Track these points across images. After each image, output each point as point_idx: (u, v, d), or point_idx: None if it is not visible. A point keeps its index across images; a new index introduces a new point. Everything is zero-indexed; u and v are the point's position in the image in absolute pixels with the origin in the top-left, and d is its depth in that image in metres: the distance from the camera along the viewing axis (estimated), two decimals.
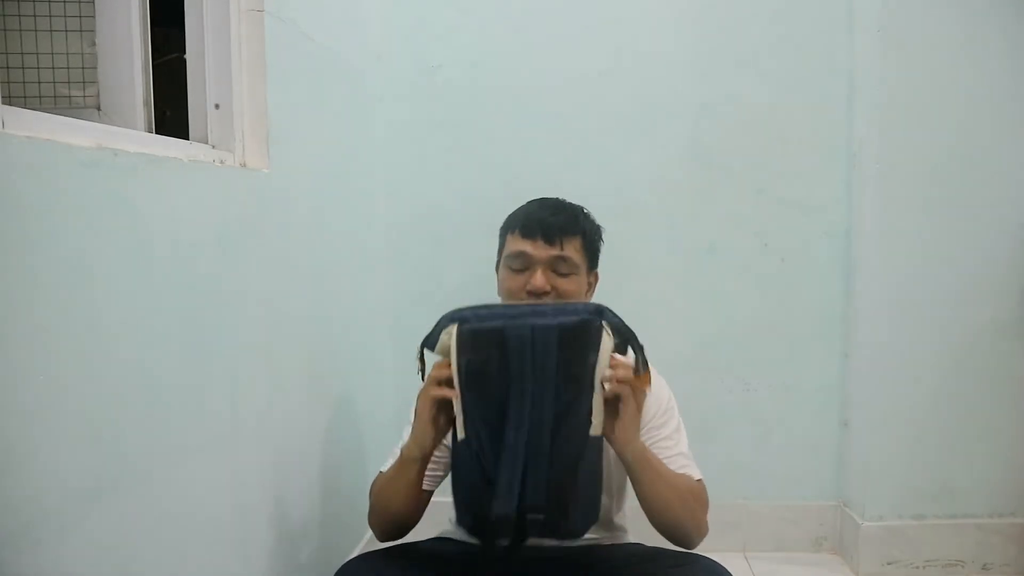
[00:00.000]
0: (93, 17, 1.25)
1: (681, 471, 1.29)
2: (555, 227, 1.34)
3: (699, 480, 1.31)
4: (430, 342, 1.19)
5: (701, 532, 1.29)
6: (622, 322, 1.16)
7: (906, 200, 1.90)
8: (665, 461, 1.28)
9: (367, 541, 1.78)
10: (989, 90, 1.87)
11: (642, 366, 1.16)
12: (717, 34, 2.03)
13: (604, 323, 1.14)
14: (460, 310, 1.17)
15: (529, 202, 1.43)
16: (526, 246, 1.34)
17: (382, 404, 2.01)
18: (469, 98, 2.06)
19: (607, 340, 1.14)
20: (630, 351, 1.16)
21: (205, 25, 1.25)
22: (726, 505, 2.06)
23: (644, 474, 1.21)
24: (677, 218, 2.06)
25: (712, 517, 2.01)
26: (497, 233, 1.46)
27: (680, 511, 1.25)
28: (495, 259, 1.47)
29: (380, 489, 1.32)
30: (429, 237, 2.10)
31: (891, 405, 1.92)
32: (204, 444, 1.09)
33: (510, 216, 1.43)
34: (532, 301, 1.32)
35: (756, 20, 2.02)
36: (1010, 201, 1.89)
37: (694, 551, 1.28)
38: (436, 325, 1.19)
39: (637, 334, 1.16)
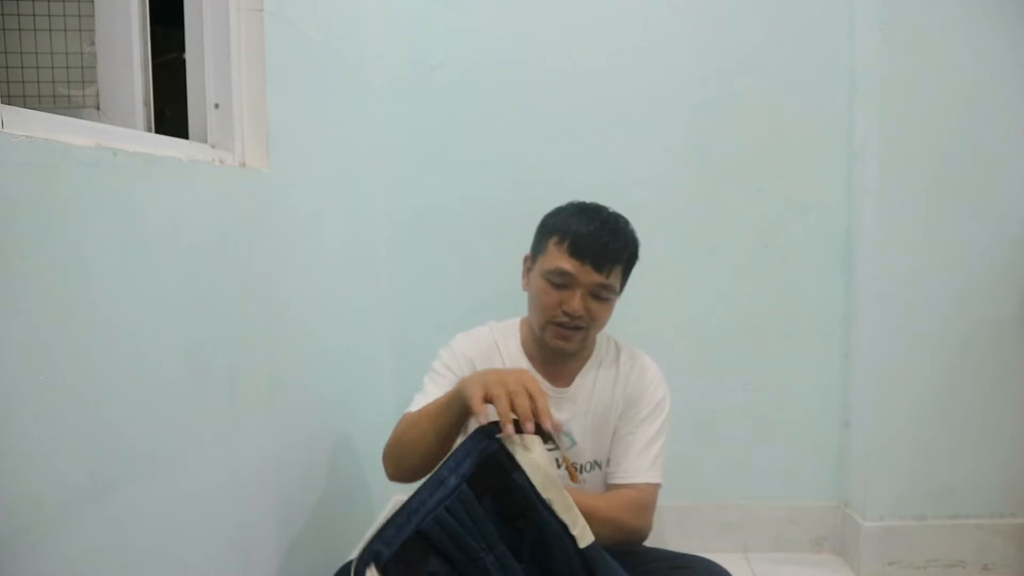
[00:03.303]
0: (93, 17, 1.25)
1: (640, 473, 1.33)
2: (607, 256, 1.30)
3: (653, 484, 1.34)
4: None
5: (641, 537, 1.34)
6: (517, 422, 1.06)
7: (906, 200, 1.89)
8: (634, 455, 1.34)
9: (367, 541, 1.78)
10: (990, 89, 1.87)
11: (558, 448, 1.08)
12: (717, 34, 2.03)
13: (500, 437, 1.04)
14: (368, 545, 1.04)
15: (580, 209, 1.36)
16: (572, 267, 1.30)
17: (381, 404, 2.00)
18: (469, 98, 2.06)
19: (529, 439, 1.03)
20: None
21: (205, 24, 1.25)
22: (726, 505, 2.07)
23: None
24: (677, 218, 2.06)
25: (712, 517, 2.04)
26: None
27: (611, 534, 1.25)
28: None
29: (407, 428, 1.29)
30: (429, 237, 2.09)
31: (891, 405, 1.92)
32: (203, 444, 1.09)
33: (558, 218, 1.36)
34: (562, 322, 1.31)
35: (756, 20, 2.02)
36: (1011, 201, 1.89)
37: (694, 553, 1.32)
38: (355, 572, 1.02)
39: (545, 427, 1.07)
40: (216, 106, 1.26)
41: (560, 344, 1.34)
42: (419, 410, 1.30)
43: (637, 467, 1.34)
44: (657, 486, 1.35)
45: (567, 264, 1.30)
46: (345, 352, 1.77)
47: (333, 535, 1.65)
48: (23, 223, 0.74)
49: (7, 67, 1.40)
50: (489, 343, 1.43)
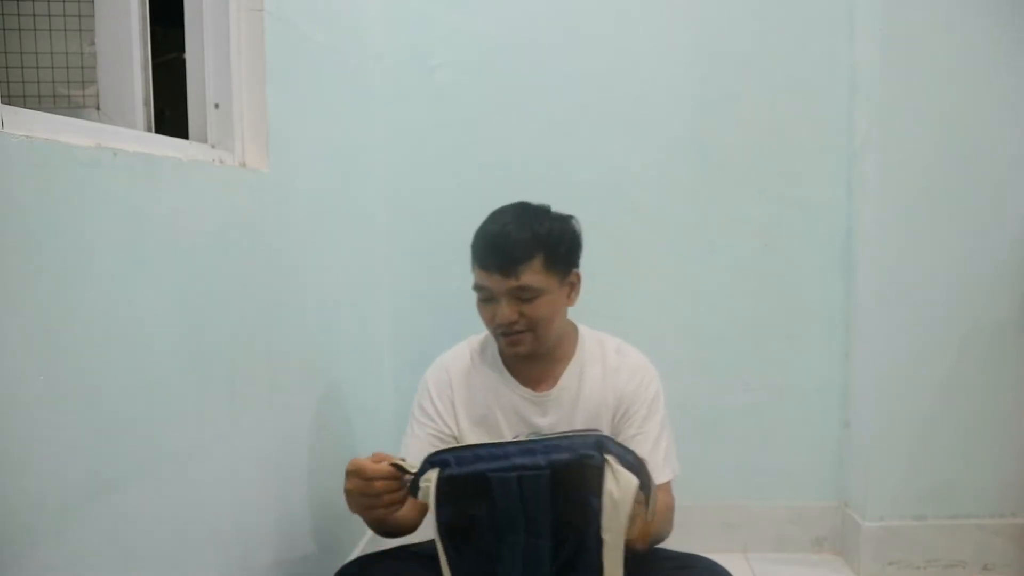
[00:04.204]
0: (93, 17, 1.25)
1: (657, 473, 1.30)
2: (508, 259, 1.27)
3: (670, 481, 1.35)
4: (413, 489, 1.07)
5: (666, 536, 1.34)
6: (630, 453, 1.05)
7: (906, 200, 1.90)
8: (646, 456, 1.30)
9: (367, 541, 1.78)
10: (990, 89, 1.87)
11: (647, 509, 1.04)
12: (717, 34, 2.03)
13: (608, 458, 1.01)
14: (441, 452, 1.05)
15: (488, 218, 1.35)
16: (484, 279, 1.30)
17: (382, 404, 2.00)
18: (469, 98, 2.06)
19: (628, 479, 1.00)
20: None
21: (205, 24, 1.25)
22: (726, 505, 2.07)
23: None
24: (677, 217, 2.06)
25: (712, 517, 2.04)
26: None
27: (655, 542, 1.29)
28: None
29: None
30: (429, 237, 2.09)
31: (891, 405, 1.92)
32: (203, 444, 1.09)
33: (475, 234, 1.35)
34: (503, 331, 1.30)
35: (756, 20, 2.02)
36: (1010, 201, 1.89)
37: (694, 553, 1.32)
38: (419, 470, 1.06)
39: (646, 464, 1.05)
40: (216, 106, 1.26)
41: (514, 350, 1.33)
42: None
43: (652, 468, 1.33)
44: (671, 481, 1.36)
45: (479, 278, 1.31)
46: (345, 352, 1.77)
47: (333, 535, 1.65)
48: (23, 223, 0.74)
49: (7, 67, 1.40)
50: (464, 364, 1.42)
